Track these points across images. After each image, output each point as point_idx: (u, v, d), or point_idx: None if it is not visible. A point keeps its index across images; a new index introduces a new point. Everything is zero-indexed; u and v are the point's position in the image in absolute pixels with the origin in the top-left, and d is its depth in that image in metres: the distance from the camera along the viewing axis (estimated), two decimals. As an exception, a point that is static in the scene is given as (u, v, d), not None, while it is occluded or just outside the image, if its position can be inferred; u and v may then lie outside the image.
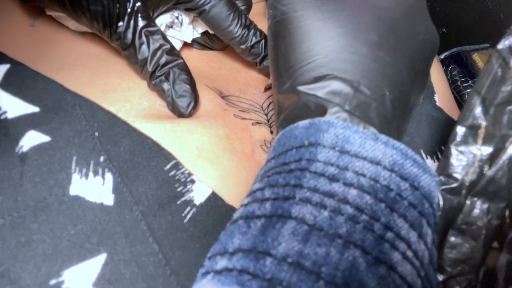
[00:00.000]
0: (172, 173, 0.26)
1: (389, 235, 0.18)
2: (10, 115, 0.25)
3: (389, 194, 0.18)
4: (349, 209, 0.18)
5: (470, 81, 0.52)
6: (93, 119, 0.26)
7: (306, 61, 0.23)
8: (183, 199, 0.25)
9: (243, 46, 0.34)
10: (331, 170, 0.19)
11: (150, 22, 0.30)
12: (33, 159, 0.24)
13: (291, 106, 0.24)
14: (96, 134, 0.25)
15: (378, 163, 0.19)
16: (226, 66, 0.37)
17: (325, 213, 0.18)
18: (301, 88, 0.23)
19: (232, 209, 0.27)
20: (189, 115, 0.30)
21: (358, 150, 0.19)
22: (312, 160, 0.19)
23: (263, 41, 0.34)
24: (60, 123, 0.25)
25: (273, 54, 0.26)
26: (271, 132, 0.33)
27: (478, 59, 0.51)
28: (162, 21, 0.33)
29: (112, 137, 0.26)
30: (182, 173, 0.26)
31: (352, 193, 0.18)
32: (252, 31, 0.33)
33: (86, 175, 0.24)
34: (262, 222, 0.19)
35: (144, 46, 0.30)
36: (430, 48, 0.26)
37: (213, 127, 0.30)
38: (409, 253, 0.18)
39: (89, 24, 0.30)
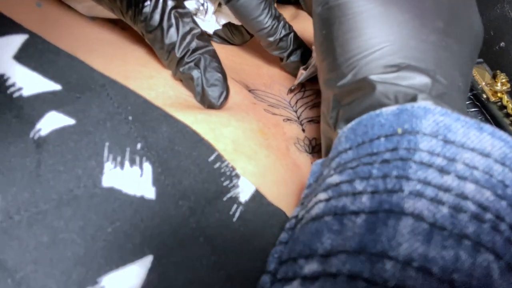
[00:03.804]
0: (216, 165, 0.22)
1: None
2: (26, 92, 0.21)
3: (506, 191, 0.16)
4: (471, 206, 0.15)
5: (469, 93, 0.52)
6: (125, 101, 0.22)
7: (371, 49, 0.21)
8: (228, 195, 0.22)
9: (271, 39, 0.31)
10: (439, 161, 0.17)
11: (180, 3, 0.27)
12: (54, 145, 0.20)
13: (359, 97, 0.21)
14: (130, 118, 0.22)
15: (488, 156, 0.17)
16: (248, 62, 0.35)
17: (444, 210, 0.15)
18: (375, 77, 0.21)
19: (277, 210, 0.24)
20: (220, 106, 0.27)
21: (463, 140, 0.17)
22: (414, 149, 0.17)
23: (292, 34, 0.32)
24: (86, 104, 0.22)
25: (326, 43, 0.24)
26: (303, 130, 0.31)
27: (475, 72, 0.52)
28: (187, 7, 0.30)
29: (148, 122, 0.22)
30: (226, 165, 0.23)
31: (470, 187, 0.16)
32: (282, 22, 0.31)
33: (122, 164, 0.20)
34: (364, 219, 0.16)
35: (173, 29, 0.26)
36: (480, 40, 0.26)
37: (246, 120, 0.27)
38: None
39: (110, 3, 0.26)
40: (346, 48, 0.22)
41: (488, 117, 0.46)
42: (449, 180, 0.16)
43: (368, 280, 0.14)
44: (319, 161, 0.23)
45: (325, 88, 0.24)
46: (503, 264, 0.14)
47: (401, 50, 0.21)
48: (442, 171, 0.16)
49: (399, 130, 0.18)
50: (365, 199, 0.16)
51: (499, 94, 0.47)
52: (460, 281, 0.14)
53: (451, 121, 0.18)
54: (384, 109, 0.19)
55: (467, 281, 0.14)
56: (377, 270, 0.14)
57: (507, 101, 0.45)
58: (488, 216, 0.15)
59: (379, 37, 0.22)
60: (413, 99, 0.19)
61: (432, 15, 0.22)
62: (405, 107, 0.19)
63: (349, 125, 0.20)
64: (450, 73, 0.21)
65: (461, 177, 0.16)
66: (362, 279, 0.14)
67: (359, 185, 0.17)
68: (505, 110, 0.45)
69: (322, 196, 0.18)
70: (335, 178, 0.19)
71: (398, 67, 0.21)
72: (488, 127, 0.18)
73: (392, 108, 0.19)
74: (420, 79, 0.20)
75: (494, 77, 0.49)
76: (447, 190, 0.16)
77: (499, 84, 0.47)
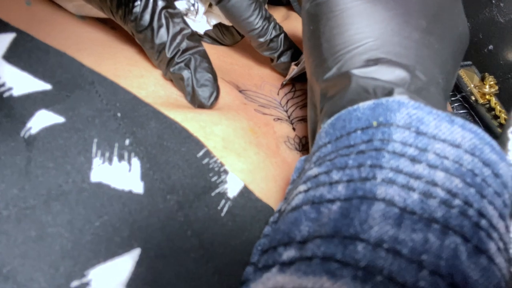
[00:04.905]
0: (205, 161, 0.23)
1: (484, 223, 0.16)
2: (17, 92, 0.21)
3: (475, 180, 0.17)
4: (440, 192, 0.16)
5: (458, 95, 0.53)
6: (114, 98, 0.23)
7: (355, 44, 0.22)
8: (217, 190, 0.22)
9: (262, 39, 0.32)
10: (411, 151, 0.17)
11: (171, 3, 0.27)
12: (44, 142, 0.20)
13: (341, 91, 0.22)
14: (119, 114, 0.22)
15: (458, 146, 0.17)
16: (238, 62, 0.35)
17: (415, 196, 0.16)
18: (356, 71, 0.21)
19: (265, 206, 0.24)
20: (210, 106, 0.27)
21: (435, 132, 0.18)
22: (387, 140, 0.18)
23: (282, 35, 0.32)
24: (76, 102, 0.22)
25: (313, 39, 0.24)
26: (293, 129, 0.31)
27: (464, 74, 0.53)
28: (178, 7, 0.31)
29: (137, 118, 0.22)
30: (215, 161, 0.23)
31: (440, 175, 0.16)
32: (272, 23, 0.32)
33: (110, 160, 0.21)
34: (339, 206, 0.16)
35: (163, 30, 0.27)
36: (465, 41, 0.26)
37: (237, 119, 0.28)
38: (501, 244, 0.16)
39: (100, 3, 0.27)
40: (332, 43, 0.23)
41: (477, 119, 0.47)
42: (420, 169, 0.16)
43: (340, 261, 0.14)
44: (303, 157, 0.23)
45: (313, 82, 0.25)
46: (470, 247, 0.15)
47: (384, 45, 0.22)
48: (414, 160, 0.17)
49: (375, 123, 0.18)
50: (341, 187, 0.17)
51: (487, 96, 0.48)
52: (429, 262, 0.14)
53: (423, 114, 0.18)
54: (361, 104, 0.20)
55: (435, 262, 0.14)
56: (349, 251, 0.14)
57: (495, 103, 0.46)
58: (457, 202, 0.16)
59: (363, 33, 0.22)
60: (390, 93, 0.20)
61: (417, 13, 0.23)
62: (380, 101, 0.19)
63: (329, 120, 0.21)
64: (430, 70, 0.22)
65: (432, 166, 0.17)
66: (334, 260, 0.14)
67: (335, 175, 0.18)
68: (493, 112, 0.46)
69: (302, 187, 0.19)
70: (314, 171, 0.19)
71: (379, 62, 0.21)
72: (459, 120, 0.18)
73: (369, 103, 0.19)
74: (399, 74, 0.21)
75: (482, 79, 0.50)
76: (418, 177, 0.16)
77: (487, 86, 0.48)
